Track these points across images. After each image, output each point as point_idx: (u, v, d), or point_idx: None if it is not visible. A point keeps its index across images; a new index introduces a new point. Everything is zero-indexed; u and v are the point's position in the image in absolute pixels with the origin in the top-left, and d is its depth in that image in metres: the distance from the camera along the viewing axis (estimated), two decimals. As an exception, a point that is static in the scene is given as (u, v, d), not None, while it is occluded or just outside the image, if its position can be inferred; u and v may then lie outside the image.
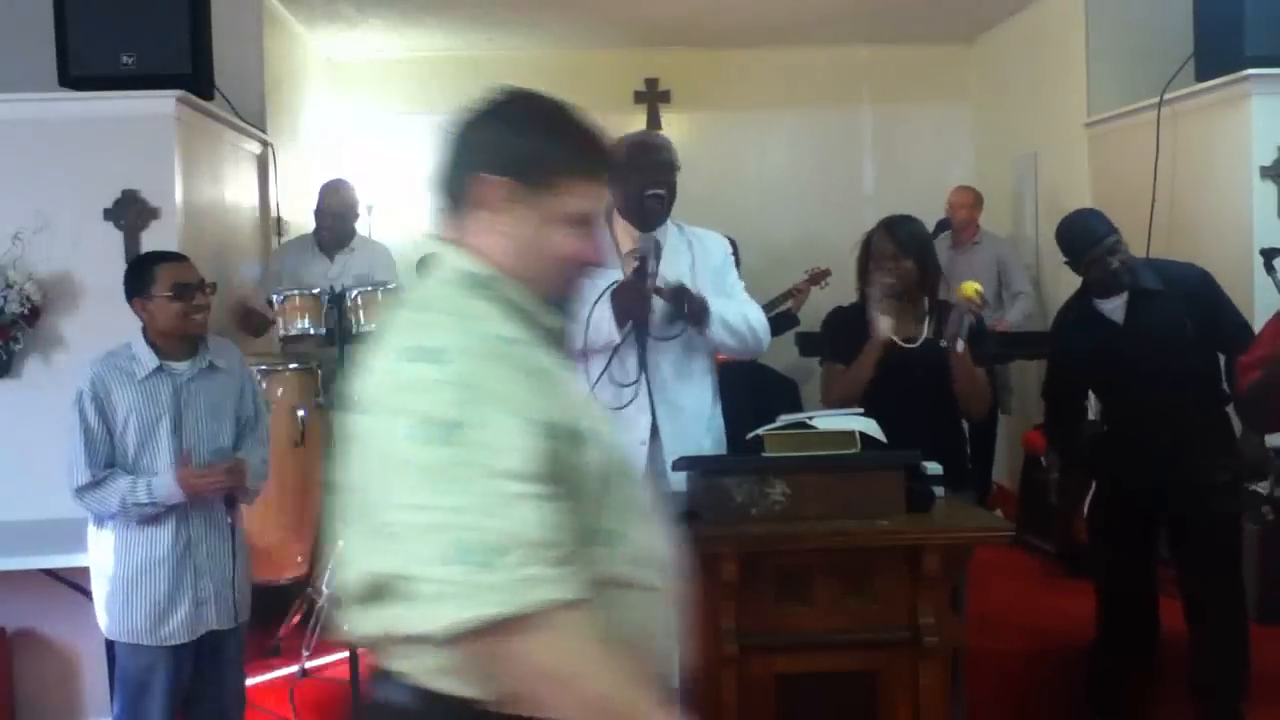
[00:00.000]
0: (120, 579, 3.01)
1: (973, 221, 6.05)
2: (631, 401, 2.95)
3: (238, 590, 3.09)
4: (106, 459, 2.99)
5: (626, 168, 2.99)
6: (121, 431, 2.99)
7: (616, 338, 2.95)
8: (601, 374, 3.01)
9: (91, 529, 3.08)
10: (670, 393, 3.09)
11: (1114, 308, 3.44)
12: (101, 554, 3.06)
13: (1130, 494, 3.49)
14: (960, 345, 3.22)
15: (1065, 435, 3.81)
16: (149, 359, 3.01)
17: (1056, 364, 3.73)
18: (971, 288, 3.31)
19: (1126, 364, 3.38)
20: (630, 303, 2.93)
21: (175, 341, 3.05)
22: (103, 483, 2.96)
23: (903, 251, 3.31)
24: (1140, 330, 3.39)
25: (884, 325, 3.27)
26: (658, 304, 3.02)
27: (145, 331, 3.05)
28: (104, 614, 3.07)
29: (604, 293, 2.93)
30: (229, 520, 3.07)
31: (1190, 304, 3.41)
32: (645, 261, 2.94)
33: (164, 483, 2.96)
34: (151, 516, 2.99)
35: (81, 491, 2.97)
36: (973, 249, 5.91)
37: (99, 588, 3.08)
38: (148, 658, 3.01)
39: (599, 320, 2.95)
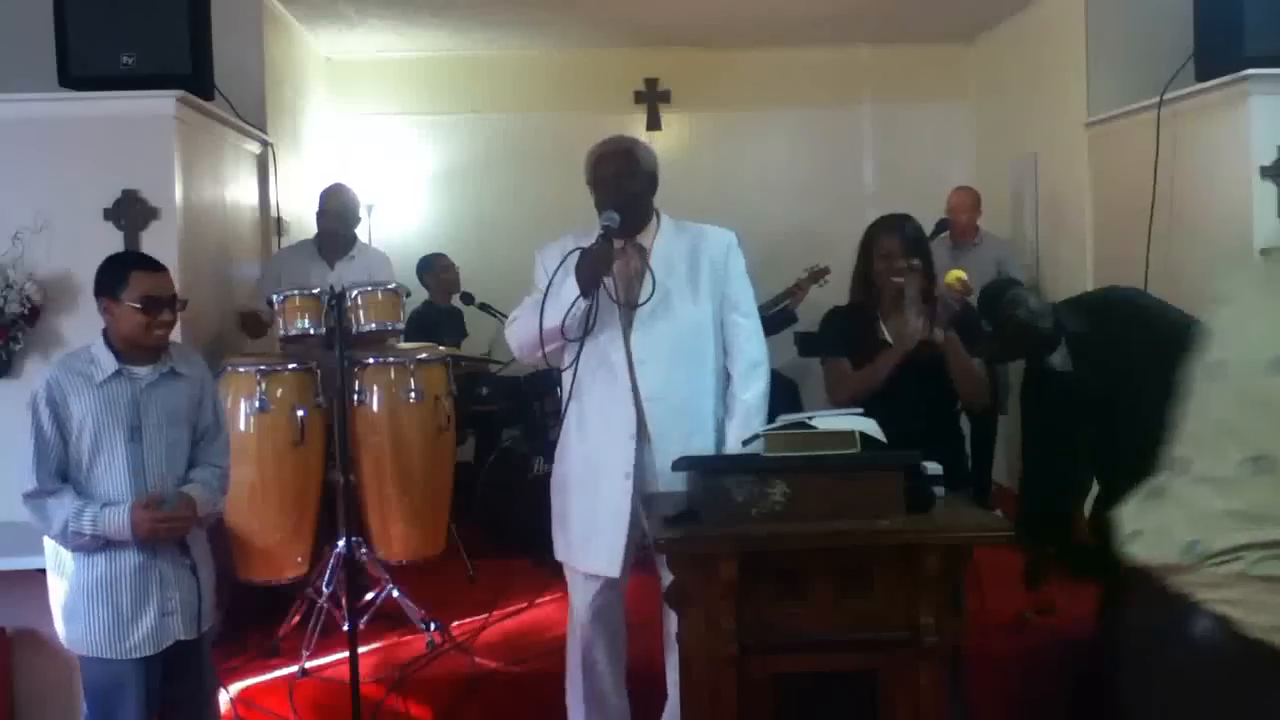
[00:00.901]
0: (81, 589, 2.89)
1: (973, 222, 6.05)
2: (575, 363, 3.03)
3: (203, 599, 2.98)
4: (59, 467, 2.86)
5: (592, 175, 3.17)
6: (76, 438, 2.85)
7: (576, 295, 2.98)
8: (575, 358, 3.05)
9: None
10: (659, 388, 3.10)
11: (1061, 359, 3.46)
12: (62, 560, 2.93)
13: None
14: (939, 334, 3.24)
15: (1056, 517, 3.79)
16: (109, 362, 2.88)
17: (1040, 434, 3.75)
18: (953, 275, 3.31)
19: (1100, 403, 3.38)
20: (593, 268, 2.99)
21: (135, 348, 2.92)
22: (51, 495, 2.82)
23: (912, 251, 3.35)
24: (1095, 366, 3.40)
25: (920, 326, 3.28)
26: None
27: (106, 333, 2.93)
28: (62, 624, 2.93)
29: (565, 258, 3.02)
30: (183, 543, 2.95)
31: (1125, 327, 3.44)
32: (610, 230, 3.02)
33: (116, 518, 2.81)
34: (90, 548, 2.84)
35: (27, 499, 2.84)
36: (972, 250, 5.91)
37: (57, 596, 2.95)
38: (114, 670, 2.88)
39: (561, 286, 3.01)
